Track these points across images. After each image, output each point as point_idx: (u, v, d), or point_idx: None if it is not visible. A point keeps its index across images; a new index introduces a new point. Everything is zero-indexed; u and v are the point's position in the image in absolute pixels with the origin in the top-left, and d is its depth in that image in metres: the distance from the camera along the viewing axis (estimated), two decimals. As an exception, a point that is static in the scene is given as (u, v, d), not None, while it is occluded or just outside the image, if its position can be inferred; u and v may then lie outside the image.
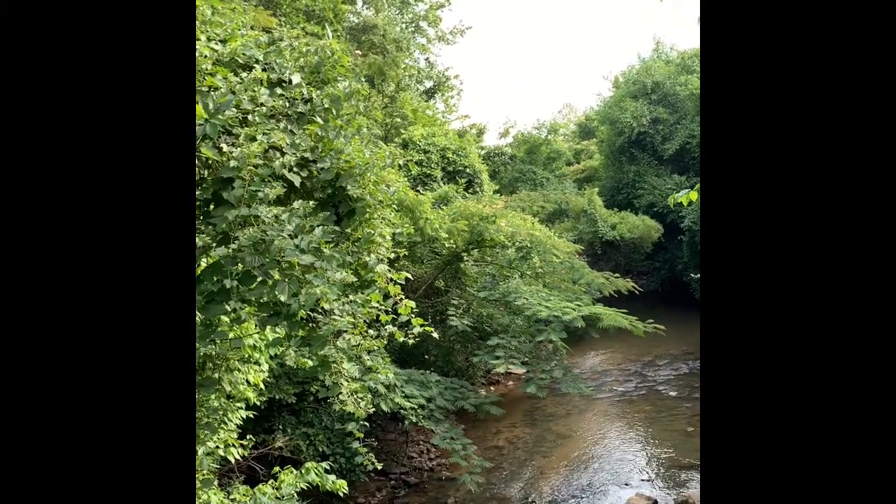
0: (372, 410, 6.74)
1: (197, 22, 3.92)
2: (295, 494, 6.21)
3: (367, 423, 9.74)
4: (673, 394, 15.13)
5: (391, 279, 4.59)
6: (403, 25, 26.00)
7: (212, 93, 3.64)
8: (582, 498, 10.19)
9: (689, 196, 7.05)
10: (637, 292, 14.77)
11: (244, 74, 3.98)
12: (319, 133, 4.02)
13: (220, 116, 3.59)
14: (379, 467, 8.86)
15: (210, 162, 3.62)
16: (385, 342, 5.38)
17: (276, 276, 3.61)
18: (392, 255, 4.76)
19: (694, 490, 10.01)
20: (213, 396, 5.88)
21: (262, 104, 3.89)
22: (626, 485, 10.49)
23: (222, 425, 6.41)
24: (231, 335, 5.08)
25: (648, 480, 10.63)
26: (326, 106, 4.15)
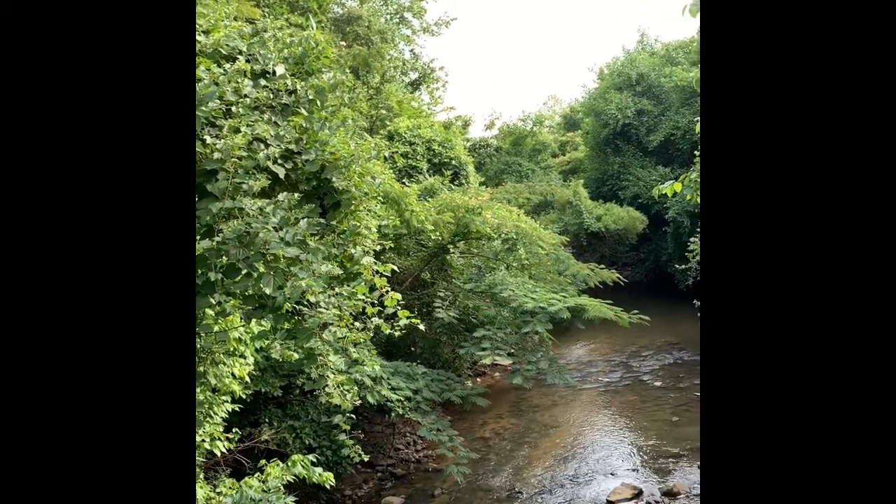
0: (358, 403, 6.74)
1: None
2: (281, 487, 6.20)
3: (354, 416, 9.73)
4: (658, 384, 15.24)
5: (377, 271, 4.58)
6: (388, 16, 25.90)
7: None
8: (568, 487, 10.25)
9: (673, 187, 7.10)
10: (622, 283, 14.85)
11: (227, 66, 3.95)
12: (304, 125, 4.00)
13: (203, 108, 3.56)
14: (366, 459, 8.87)
15: (193, 154, 3.58)
16: (371, 334, 5.37)
17: (261, 269, 3.60)
18: (378, 248, 4.75)
19: (679, 479, 10.11)
20: (198, 390, 5.85)
21: (245, 96, 3.85)
22: (612, 474, 10.57)
23: (208, 419, 6.39)
24: (216, 328, 5.05)
25: (634, 470, 10.72)
26: (311, 97, 4.12)
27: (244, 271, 3.57)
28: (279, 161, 3.78)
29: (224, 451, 6.72)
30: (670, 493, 9.69)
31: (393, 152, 16.35)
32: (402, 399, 9.81)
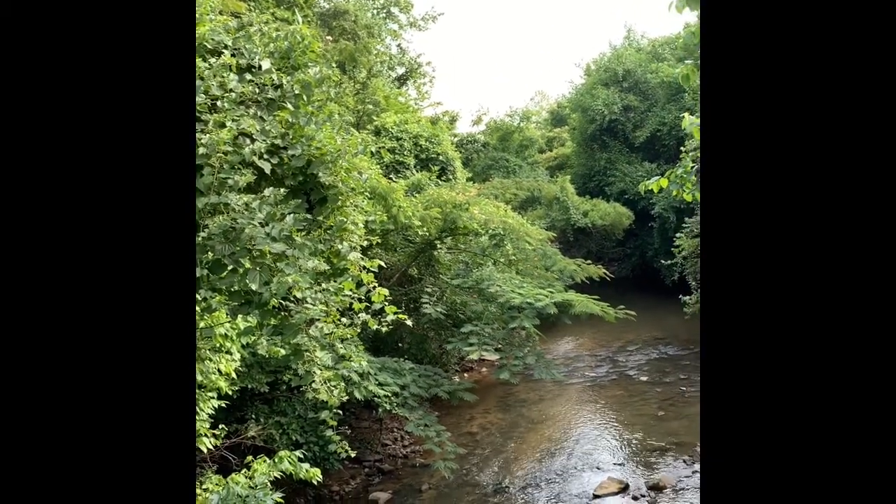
0: (345, 399, 6.72)
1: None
2: (268, 483, 6.18)
3: (341, 412, 9.71)
4: (644, 378, 15.33)
5: (364, 267, 4.56)
6: (374, 11, 25.77)
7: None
8: (554, 482, 10.30)
9: (659, 183, 7.13)
10: (608, 279, 14.92)
11: (213, 60, 3.92)
12: (290, 119, 3.98)
13: (188, 102, 3.53)
14: (353, 455, 8.86)
15: (178, 149, 3.55)
16: (358, 330, 5.36)
17: (247, 265, 3.58)
18: (365, 243, 4.73)
19: (665, 473, 10.18)
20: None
21: (231, 90, 3.83)
22: (598, 468, 10.62)
23: (194, 415, 6.35)
24: (202, 324, 5.02)
25: (620, 464, 10.78)
26: (297, 92, 4.10)
27: (230, 267, 3.55)
28: (265, 156, 3.75)
29: (210, 447, 6.69)
30: (656, 487, 9.75)
31: (380, 147, 16.31)
32: (390, 395, 9.81)
